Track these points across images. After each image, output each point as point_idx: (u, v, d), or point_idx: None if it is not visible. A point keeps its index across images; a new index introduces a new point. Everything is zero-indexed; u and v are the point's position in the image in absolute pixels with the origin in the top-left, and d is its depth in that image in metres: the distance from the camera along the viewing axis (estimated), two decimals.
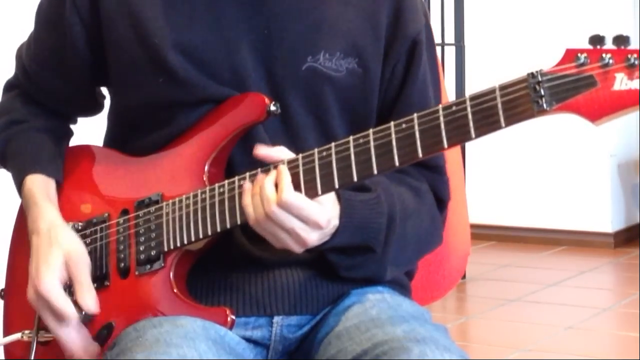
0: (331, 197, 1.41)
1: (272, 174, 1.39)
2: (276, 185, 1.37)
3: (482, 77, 5.56)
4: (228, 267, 1.52)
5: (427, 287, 1.77)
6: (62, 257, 1.50)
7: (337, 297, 1.54)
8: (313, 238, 1.39)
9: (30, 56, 1.66)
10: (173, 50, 1.50)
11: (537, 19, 5.67)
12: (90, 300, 1.49)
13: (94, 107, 1.71)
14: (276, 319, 1.52)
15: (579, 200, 5.63)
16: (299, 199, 1.37)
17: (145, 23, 1.51)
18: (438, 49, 4.85)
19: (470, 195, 4.85)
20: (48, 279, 1.48)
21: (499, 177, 5.84)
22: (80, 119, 1.75)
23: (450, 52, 4.90)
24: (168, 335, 1.38)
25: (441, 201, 1.61)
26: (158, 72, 1.51)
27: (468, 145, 4.91)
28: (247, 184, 1.40)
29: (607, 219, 5.59)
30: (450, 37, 4.88)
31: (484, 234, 5.66)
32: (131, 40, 1.52)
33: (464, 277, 4.72)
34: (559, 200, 5.68)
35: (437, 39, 4.88)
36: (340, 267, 1.50)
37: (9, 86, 1.72)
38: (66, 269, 1.50)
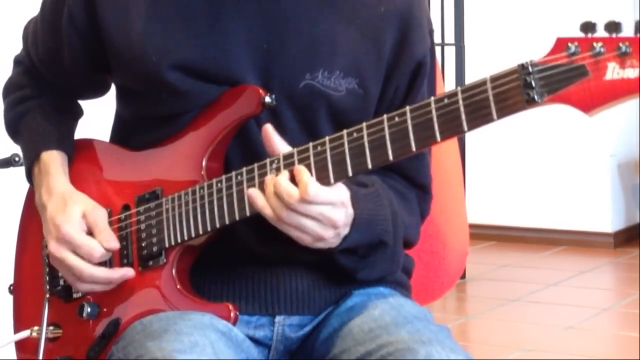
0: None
1: (284, 173, 1.37)
2: (293, 181, 1.36)
3: (482, 77, 5.56)
4: (231, 265, 1.52)
5: (425, 287, 1.77)
6: (80, 211, 1.51)
7: (339, 298, 1.54)
8: (341, 218, 1.37)
9: (34, 45, 1.66)
10: (172, 67, 1.49)
11: (537, 18, 5.67)
12: (110, 238, 1.50)
13: (99, 92, 1.71)
14: (278, 318, 1.52)
15: (579, 200, 5.63)
16: (323, 190, 1.35)
17: (143, 40, 1.50)
18: (438, 49, 4.88)
19: (470, 195, 4.85)
20: (69, 224, 1.50)
21: (498, 177, 5.84)
22: (88, 114, 1.75)
23: (450, 52, 4.90)
24: (177, 326, 1.38)
25: (421, 216, 1.62)
26: (158, 87, 1.51)
27: (468, 144, 4.91)
28: (252, 190, 1.39)
29: (607, 219, 5.59)
30: (450, 37, 4.88)
31: (484, 234, 5.66)
32: (129, 57, 1.51)
33: (464, 277, 4.72)
34: (559, 200, 5.68)
35: (437, 39, 4.88)
36: (357, 270, 1.50)
37: (17, 62, 1.73)
38: (84, 220, 1.51)
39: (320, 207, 1.35)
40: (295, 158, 1.38)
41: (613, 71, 1.17)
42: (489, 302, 4.41)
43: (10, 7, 3.01)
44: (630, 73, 1.16)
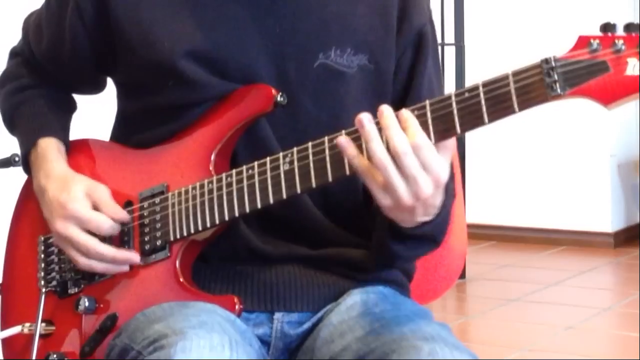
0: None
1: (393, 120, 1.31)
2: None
3: (482, 77, 5.56)
4: (231, 261, 1.52)
5: (424, 286, 1.77)
6: (83, 189, 1.53)
7: (339, 295, 1.54)
8: (428, 192, 1.31)
9: (35, 38, 1.67)
10: (184, 54, 1.50)
11: (537, 19, 5.67)
12: (118, 210, 1.51)
13: (96, 89, 1.73)
14: (277, 315, 1.52)
15: (579, 200, 5.63)
16: (431, 145, 1.30)
17: (155, 27, 1.52)
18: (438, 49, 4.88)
19: (470, 195, 4.82)
20: (74, 201, 1.51)
21: (498, 177, 5.84)
22: (88, 113, 1.76)
23: (450, 52, 4.90)
24: (183, 310, 1.38)
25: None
26: (168, 76, 1.51)
27: (468, 144, 4.91)
28: (343, 137, 1.32)
29: (607, 219, 5.60)
30: (450, 37, 4.88)
31: (484, 234, 5.66)
32: (141, 45, 1.52)
33: (463, 277, 4.72)
34: (559, 200, 5.68)
35: (438, 39, 4.88)
36: (401, 257, 1.50)
37: (15, 53, 1.73)
38: (88, 198, 1.52)
39: (420, 170, 1.29)
40: (310, 151, 1.39)
41: (634, 67, 1.21)
42: (489, 302, 4.41)
43: (9, 2, 3.01)
44: None
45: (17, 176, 1.68)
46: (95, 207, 1.52)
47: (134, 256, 1.51)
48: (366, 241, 1.56)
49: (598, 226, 5.60)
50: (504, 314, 4.23)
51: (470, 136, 5.05)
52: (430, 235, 1.45)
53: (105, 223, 1.50)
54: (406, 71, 1.57)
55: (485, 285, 4.78)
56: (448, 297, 4.45)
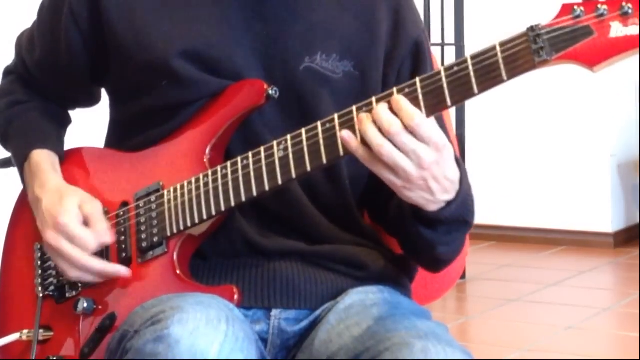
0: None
1: (382, 104, 1.35)
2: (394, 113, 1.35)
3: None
4: (228, 256, 1.53)
5: (425, 287, 1.77)
6: (76, 203, 1.53)
7: (337, 294, 1.54)
8: (431, 158, 1.35)
9: (29, 51, 1.68)
10: (178, 55, 1.51)
11: (537, 19, 5.67)
12: (104, 231, 1.52)
13: (90, 102, 1.74)
14: (274, 312, 1.52)
15: (579, 200, 5.63)
16: (427, 121, 1.34)
17: (149, 28, 1.53)
18: (438, 49, 4.87)
19: None
20: (66, 215, 1.51)
21: (498, 177, 5.84)
22: (82, 121, 1.76)
23: (450, 52, 4.90)
24: (181, 297, 1.39)
25: None
26: (161, 76, 1.53)
27: (468, 144, 4.91)
28: (345, 132, 1.36)
29: (607, 219, 5.59)
30: (450, 37, 4.88)
31: (484, 234, 5.66)
32: (134, 46, 1.54)
33: (464, 277, 4.72)
34: (559, 200, 5.68)
35: (437, 39, 4.88)
36: (438, 243, 1.50)
37: (8, 72, 1.74)
38: (80, 211, 1.53)
39: (417, 143, 1.34)
40: (304, 136, 1.40)
41: (617, 30, 1.25)
42: (489, 302, 4.41)
43: (6, 13, 3.01)
44: (633, 30, 1.24)
45: (17, 176, 1.68)
46: (86, 222, 1.52)
47: (123, 270, 1.51)
48: (362, 239, 1.58)
49: (598, 226, 5.60)
50: (504, 314, 4.23)
51: (470, 136, 5.05)
52: (460, 216, 1.46)
53: (92, 243, 1.51)
54: (407, 79, 1.58)
55: (485, 285, 4.78)
56: (448, 297, 4.45)
